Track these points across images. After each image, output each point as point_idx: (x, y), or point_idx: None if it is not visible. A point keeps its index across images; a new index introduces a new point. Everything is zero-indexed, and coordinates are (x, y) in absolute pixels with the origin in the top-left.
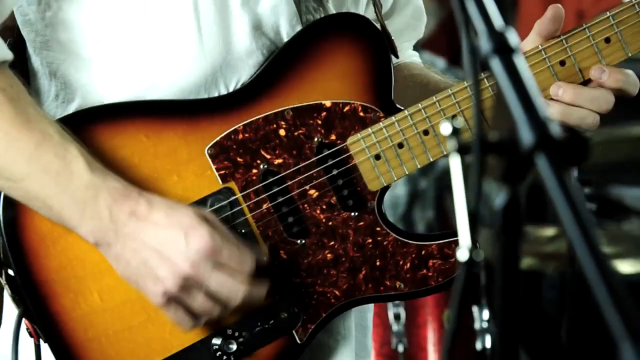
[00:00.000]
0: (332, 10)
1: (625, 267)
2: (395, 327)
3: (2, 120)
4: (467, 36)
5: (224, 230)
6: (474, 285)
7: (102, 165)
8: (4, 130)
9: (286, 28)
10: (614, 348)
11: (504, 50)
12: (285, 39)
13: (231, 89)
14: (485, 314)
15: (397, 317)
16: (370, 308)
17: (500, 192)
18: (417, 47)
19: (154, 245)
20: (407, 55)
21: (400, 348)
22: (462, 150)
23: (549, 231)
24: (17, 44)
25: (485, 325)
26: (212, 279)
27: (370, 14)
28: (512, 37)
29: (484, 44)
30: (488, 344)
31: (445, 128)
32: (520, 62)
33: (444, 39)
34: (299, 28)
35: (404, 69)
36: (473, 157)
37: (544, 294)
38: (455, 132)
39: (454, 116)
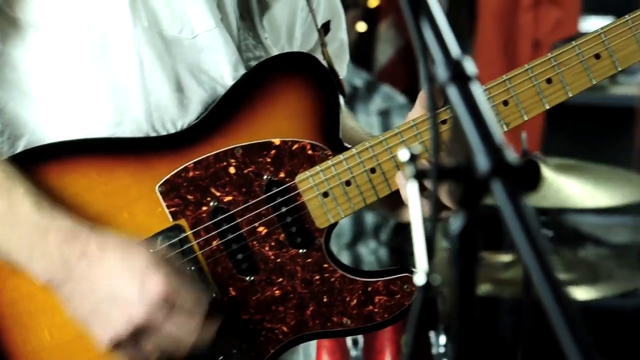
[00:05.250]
0: (271, 46)
1: (580, 293)
2: (353, 353)
3: None
4: (425, 65)
5: (178, 269)
6: (431, 310)
7: (52, 204)
8: None
9: (227, 67)
10: None
11: (461, 78)
12: (227, 76)
13: (178, 127)
14: (442, 339)
15: (355, 342)
16: None
17: (456, 218)
18: (376, 80)
19: (108, 290)
20: None
21: None
22: (420, 176)
23: (505, 257)
24: None
25: (442, 350)
26: (166, 325)
27: (305, 49)
28: (469, 65)
29: (441, 72)
30: None
31: (403, 154)
32: (477, 90)
33: (402, 67)
34: (239, 66)
35: None
36: (430, 182)
37: (500, 320)
38: (413, 158)
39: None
